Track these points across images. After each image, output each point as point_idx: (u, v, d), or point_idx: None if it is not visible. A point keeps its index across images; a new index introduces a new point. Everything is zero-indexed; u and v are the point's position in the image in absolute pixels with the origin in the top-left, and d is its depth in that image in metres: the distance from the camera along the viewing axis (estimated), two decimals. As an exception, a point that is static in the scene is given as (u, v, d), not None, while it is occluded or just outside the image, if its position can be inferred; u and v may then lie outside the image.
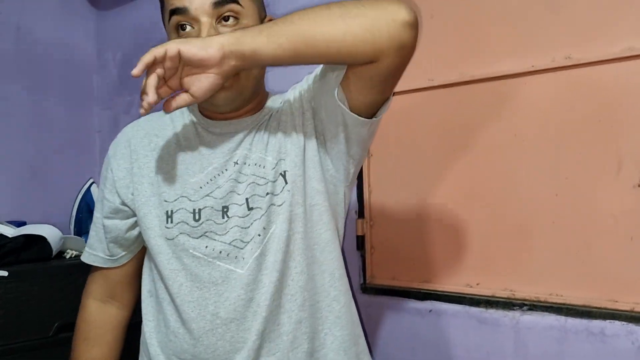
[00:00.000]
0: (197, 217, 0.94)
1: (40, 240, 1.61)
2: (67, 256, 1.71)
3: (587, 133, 1.14)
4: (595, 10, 1.13)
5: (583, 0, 1.15)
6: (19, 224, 1.72)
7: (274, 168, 0.94)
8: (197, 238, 0.94)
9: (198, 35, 0.87)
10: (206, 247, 0.94)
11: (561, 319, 1.16)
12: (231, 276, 0.92)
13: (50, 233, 1.64)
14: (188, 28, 0.89)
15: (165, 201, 0.97)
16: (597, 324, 1.12)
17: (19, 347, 1.49)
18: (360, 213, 1.47)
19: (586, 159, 1.14)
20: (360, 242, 1.47)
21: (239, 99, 0.93)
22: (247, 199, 0.93)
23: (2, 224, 1.63)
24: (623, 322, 1.09)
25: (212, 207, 0.94)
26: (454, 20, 1.32)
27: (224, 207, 0.94)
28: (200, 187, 0.96)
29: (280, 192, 0.94)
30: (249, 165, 0.95)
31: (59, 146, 2.08)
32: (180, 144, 1.00)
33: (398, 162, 1.41)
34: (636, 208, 1.09)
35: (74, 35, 2.15)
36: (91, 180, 1.98)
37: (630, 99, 1.09)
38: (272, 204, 0.93)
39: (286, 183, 0.94)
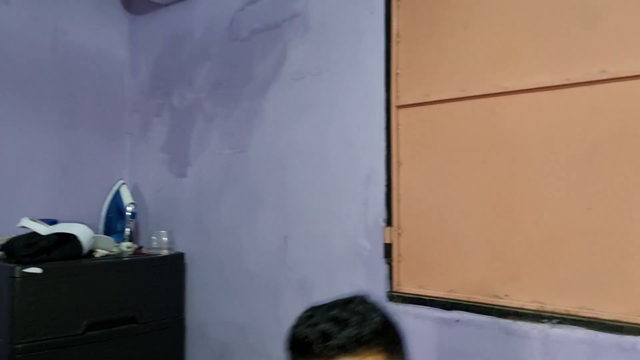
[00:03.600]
0: None
1: (72, 238, 1.65)
2: (97, 255, 1.74)
3: (622, 147, 1.14)
4: (630, 24, 1.13)
5: (619, 14, 1.14)
6: (51, 221, 1.76)
7: None
8: None
9: None
10: None
11: (591, 333, 1.15)
12: None
13: (82, 232, 1.68)
14: None
15: None
16: (628, 339, 1.11)
17: (50, 344, 1.53)
18: (389, 221, 1.48)
19: (620, 173, 1.14)
20: (388, 250, 1.48)
21: None
22: None
23: (35, 221, 1.66)
24: (655, 339, 1.08)
25: None
26: (487, 31, 1.32)
27: None
28: None
29: None
30: None
31: (90, 147, 2.12)
32: None
33: (428, 171, 1.42)
34: (671, 224, 1.08)
35: (108, 39, 2.20)
36: (121, 182, 2.02)
37: (667, 114, 1.09)
38: None
39: None
